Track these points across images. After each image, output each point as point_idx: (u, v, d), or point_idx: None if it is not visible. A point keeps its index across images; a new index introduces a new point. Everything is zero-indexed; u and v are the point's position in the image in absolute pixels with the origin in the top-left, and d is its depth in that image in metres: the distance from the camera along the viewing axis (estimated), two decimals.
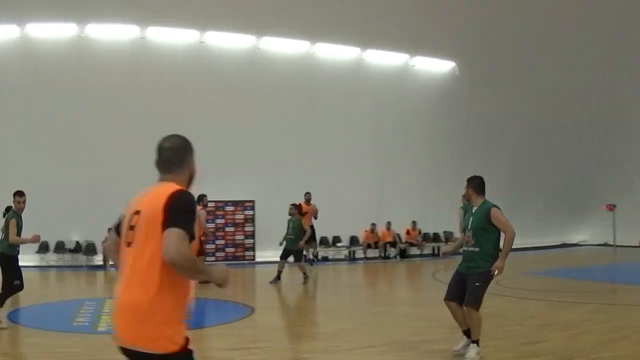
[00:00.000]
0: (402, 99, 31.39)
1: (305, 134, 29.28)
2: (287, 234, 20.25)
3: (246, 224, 28.95)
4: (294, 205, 21.03)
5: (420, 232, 30.95)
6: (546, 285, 18.32)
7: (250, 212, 28.96)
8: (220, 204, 28.51)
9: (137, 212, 4.37)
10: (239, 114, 28.11)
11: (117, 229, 4.63)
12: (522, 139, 33.23)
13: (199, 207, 18.48)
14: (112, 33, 26.64)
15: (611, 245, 32.49)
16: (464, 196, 17.29)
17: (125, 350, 4.26)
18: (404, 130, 31.84)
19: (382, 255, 29.64)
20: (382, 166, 31.05)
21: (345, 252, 30.31)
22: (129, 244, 4.35)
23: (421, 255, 30.96)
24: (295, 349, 9.92)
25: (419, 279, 21.47)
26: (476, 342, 9.12)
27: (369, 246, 29.58)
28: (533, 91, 33.40)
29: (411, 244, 30.58)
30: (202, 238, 18.97)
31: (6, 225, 11.79)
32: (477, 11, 30.61)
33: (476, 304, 9.08)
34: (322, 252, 29.23)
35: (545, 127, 34.31)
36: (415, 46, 31.72)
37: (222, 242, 28.70)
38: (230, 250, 28.75)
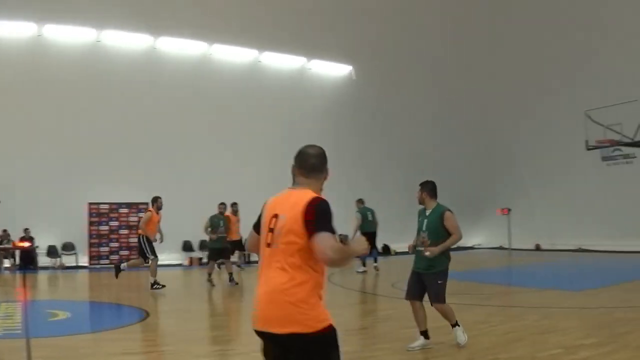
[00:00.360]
0: (299, 102, 31.63)
1: (198, 137, 29.34)
2: (218, 232, 20.02)
3: None
4: (223, 204, 20.83)
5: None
6: None
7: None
8: (114, 206, 28.18)
9: (276, 216, 4.92)
10: (131, 116, 27.88)
11: (256, 227, 5.21)
12: (419, 143, 33.56)
13: (148, 210, 18.41)
14: None
15: (506, 249, 33.06)
16: (358, 201, 17.44)
17: (269, 335, 4.84)
18: (300, 133, 31.79)
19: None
20: (279, 169, 30.82)
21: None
22: (268, 245, 4.89)
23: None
24: (191, 352, 9.73)
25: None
26: (456, 323, 9.86)
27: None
28: (430, 95, 33.86)
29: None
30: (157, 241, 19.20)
31: None
32: (373, 16, 30.94)
33: (442, 299, 9.73)
34: None
35: (442, 131, 34.80)
36: (312, 50, 31.77)
37: (116, 244, 28.26)
38: (124, 253, 28.31)
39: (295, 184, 5.26)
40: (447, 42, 33.48)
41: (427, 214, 9.96)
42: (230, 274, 19.76)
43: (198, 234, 27.86)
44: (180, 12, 28.27)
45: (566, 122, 30.85)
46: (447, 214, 9.75)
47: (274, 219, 4.91)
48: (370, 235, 22.70)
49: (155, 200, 19.05)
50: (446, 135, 35.31)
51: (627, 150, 29.94)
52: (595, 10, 29.79)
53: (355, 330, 11.46)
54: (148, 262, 18.38)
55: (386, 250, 34.54)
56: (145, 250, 18.39)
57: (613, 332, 10.27)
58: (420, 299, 9.89)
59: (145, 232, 18.57)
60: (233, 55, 30.96)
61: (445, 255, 9.84)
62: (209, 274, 19.76)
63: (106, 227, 27.84)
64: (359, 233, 22.54)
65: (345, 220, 31.08)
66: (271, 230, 4.88)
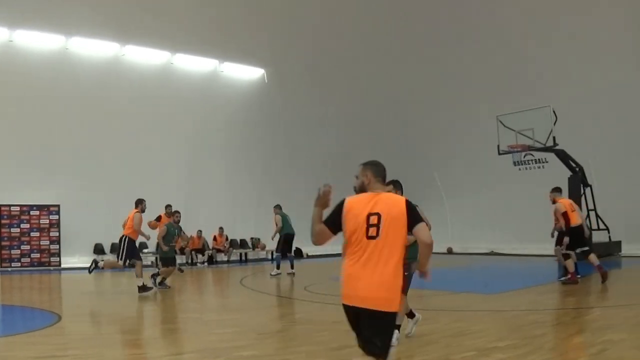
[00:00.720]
0: (211, 105, 31.50)
1: (109, 139, 28.74)
2: (172, 241, 19.61)
3: (51, 229, 27.94)
4: (178, 212, 20.38)
5: (227, 239, 30.74)
6: None
7: (56, 217, 27.94)
8: (25, 208, 27.52)
9: (376, 214, 6.10)
10: (41, 118, 27.22)
11: (329, 223, 6.44)
12: (331, 146, 33.55)
13: (135, 211, 17.92)
14: None
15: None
16: (276, 207, 17.26)
17: (362, 311, 6.09)
18: (212, 136, 31.72)
19: (190, 261, 29.24)
20: (191, 172, 30.75)
21: (152, 258, 29.72)
22: (371, 237, 6.06)
23: (228, 262, 30.81)
24: (104, 356, 9.42)
25: (226, 285, 21.16)
26: (397, 327, 9.76)
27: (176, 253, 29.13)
28: (341, 100, 33.96)
29: (218, 250, 30.30)
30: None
31: None
32: (285, 20, 30.92)
33: (406, 290, 10.07)
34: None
35: (354, 136, 34.92)
36: (224, 52, 31.55)
37: (27, 247, 27.53)
38: (35, 256, 27.66)
39: (373, 189, 6.44)
40: (360, 47, 33.57)
41: None
42: (164, 278, 19.30)
43: (110, 237, 27.41)
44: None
45: (479, 128, 31.16)
46: (418, 209, 9.26)
47: (374, 216, 6.09)
48: (290, 237, 23.09)
49: (141, 202, 18.66)
50: (358, 140, 35.40)
51: (538, 155, 30.36)
52: (509, 20, 30.15)
53: (269, 333, 11.26)
54: (120, 264, 18.09)
55: (299, 253, 34.43)
56: (123, 253, 17.91)
57: (527, 335, 10.26)
58: None
59: (133, 234, 18.19)
60: (145, 57, 30.42)
61: (413, 248, 9.28)
62: (164, 278, 19.29)
63: (17, 230, 27.17)
64: (279, 235, 23.15)
65: (255, 222, 31.09)
66: (372, 225, 6.07)
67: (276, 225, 23.27)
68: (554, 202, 18.15)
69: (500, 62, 31.17)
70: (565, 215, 17.70)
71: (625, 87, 27.81)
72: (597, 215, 28.52)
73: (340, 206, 6.42)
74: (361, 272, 6.08)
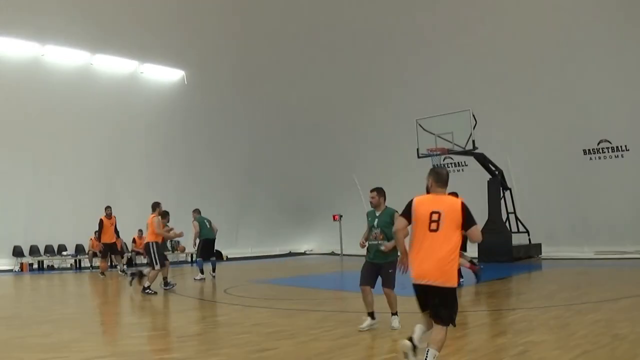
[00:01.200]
0: (131, 105, 31.09)
1: (29, 142, 28.24)
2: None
3: None
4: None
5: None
6: (273, 293, 18.39)
7: None
8: None
9: (437, 212, 7.81)
10: None
11: (406, 215, 8.20)
12: (251, 150, 33.47)
13: (153, 215, 18.37)
14: None
15: (337, 254, 33.25)
16: (194, 211, 17.42)
17: (427, 287, 7.83)
18: (133, 137, 31.35)
19: (109, 264, 28.89)
20: (111, 173, 30.39)
21: (72, 260, 29.31)
22: (432, 230, 7.80)
23: (148, 264, 30.48)
24: None
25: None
26: (396, 313, 11.64)
27: (94, 255, 28.76)
28: (262, 102, 33.94)
29: (138, 253, 29.92)
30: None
31: None
32: (205, 22, 30.78)
33: (392, 285, 11.56)
34: (47, 261, 28.23)
35: (276, 138, 34.88)
36: (144, 53, 31.19)
37: None
38: None
39: (435, 191, 8.22)
40: (280, 50, 33.55)
41: (378, 214, 12.09)
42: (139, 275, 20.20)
43: (30, 239, 26.92)
44: None
45: (399, 131, 31.31)
46: (397, 214, 10.76)
47: (436, 214, 7.82)
48: (209, 242, 23.02)
49: (157, 205, 19.19)
50: (278, 143, 35.40)
51: (458, 158, 30.67)
52: (427, 24, 30.37)
53: (189, 336, 11.15)
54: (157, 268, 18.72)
55: (218, 256, 34.26)
56: (155, 258, 18.65)
57: (448, 336, 10.24)
58: (372, 285, 11.75)
59: (158, 238, 18.79)
60: (64, 57, 29.67)
61: (395, 249, 11.00)
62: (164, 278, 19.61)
63: None
64: (198, 240, 23.07)
65: (175, 224, 30.82)
66: (434, 221, 7.81)
67: (194, 229, 23.08)
68: None
69: (420, 65, 31.36)
70: None
71: (544, 89, 28.24)
72: (516, 218, 28.95)
73: (410, 203, 8.24)
74: (424, 258, 7.82)
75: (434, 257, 7.71)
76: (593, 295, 12.92)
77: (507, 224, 28.27)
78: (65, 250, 29.32)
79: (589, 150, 28.08)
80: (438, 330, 7.86)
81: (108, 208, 23.54)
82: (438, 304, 7.82)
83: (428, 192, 8.34)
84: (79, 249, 29.86)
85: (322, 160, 36.81)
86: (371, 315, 11.64)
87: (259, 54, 33.45)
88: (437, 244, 7.72)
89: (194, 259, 32.97)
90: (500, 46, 28.86)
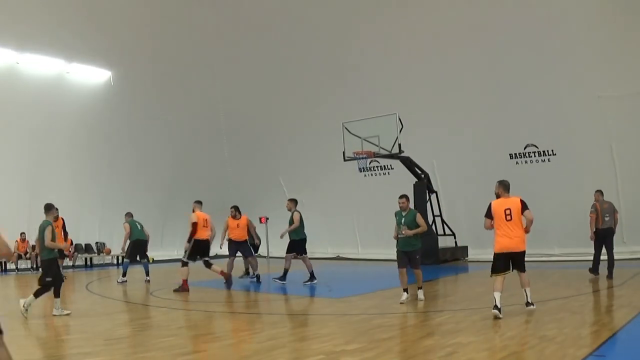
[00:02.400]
0: (58, 106, 30.40)
1: None
2: None
3: None
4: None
5: (71, 243, 29.88)
6: (199, 296, 18.19)
7: None
8: None
9: (508, 208, 12.68)
10: None
11: (489, 215, 13.03)
12: (176, 152, 33.16)
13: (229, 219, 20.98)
14: None
15: (264, 257, 33.09)
16: (127, 215, 17.13)
17: (513, 254, 12.76)
18: (60, 138, 30.85)
19: (34, 266, 28.41)
20: (36, 174, 29.82)
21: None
22: (508, 220, 12.64)
23: (74, 267, 30.10)
24: None
25: (72, 290, 20.45)
26: (421, 287, 15.75)
27: (19, 257, 28.31)
28: (187, 105, 33.77)
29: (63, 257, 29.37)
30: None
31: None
32: (132, 22, 30.54)
33: (419, 267, 15.57)
34: None
35: (200, 138, 34.80)
36: (70, 53, 30.67)
37: None
38: None
39: (503, 196, 13.03)
40: (206, 52, 33.44)
41: (404, 214, 15.58)
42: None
43: None
44: None
45: (325, 134, 31.27)
46: (419, 214, 15.74)
47: (508, 210, 12.60)
48: (140, 243, 23.05)
49: (237, 209, 21.75)
50: (204, 145, 35.20)
51: (384, 161, 30.76)
52: (354, 28, 30.45)
53: (116, 339, 10.94)
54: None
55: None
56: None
57: (374, 338, 10.29)
58: (406, 266, 15.34)
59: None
60: None
61: (419, 240, 15.65)
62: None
63: None
64: (129, 242, 22.96)
65: (100, 226, 30.39)
66: (509, 214, 12.57)
67: (125, 231, 22.72)
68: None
69: (346, 68, 31.45)
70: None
71: (471, 93, 28.49)
72: (442, 221, 29.17)
73: (490, 206, 13.02)
74: (507, 236, 12.61)
75: (514, 235, 12.58)
76: (520, 298, 12.99)
77: (433, 226, 28.42)
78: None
79: (515, 154, 28.39)
80: (524, 275, 12.99)
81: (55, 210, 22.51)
82: (521, 261, 12.86)
83: (498, 196, 13.13)
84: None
85: (248, 162, 36.73)
86: (406, 290, 15.19)
87: (185, 56, 33.31)
88: (512, 228, 12.61)
89: (119, 262, 32.61)
90: (426, 49, 29.08)
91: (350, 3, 30.59)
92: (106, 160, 32.74)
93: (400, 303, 14.56)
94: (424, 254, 22.72)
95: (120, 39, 31.28)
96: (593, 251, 19.58)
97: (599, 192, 19.67)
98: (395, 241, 15.64)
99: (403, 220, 15.44)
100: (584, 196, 24.42)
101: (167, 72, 33.37)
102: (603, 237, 19.28)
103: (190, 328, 12.48)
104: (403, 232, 15.27)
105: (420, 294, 15.48)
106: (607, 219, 19.23)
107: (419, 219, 15.53)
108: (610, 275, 18.50)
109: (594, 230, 19.18)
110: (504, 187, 13.08)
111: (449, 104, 29.10)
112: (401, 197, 15.85)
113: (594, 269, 19.56)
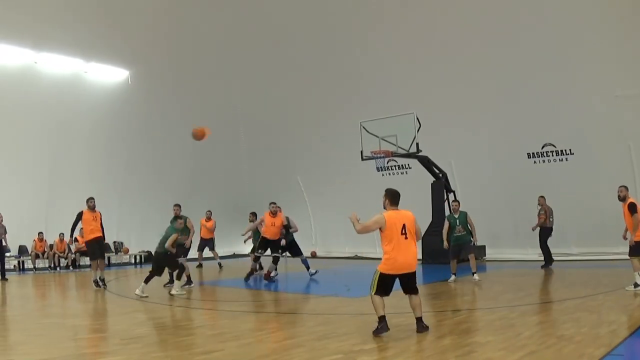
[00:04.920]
0: (75, 105, 30.44)
1: None
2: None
3: None
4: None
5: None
6: (218, 295, 18.24)
7: None
8: None
9: (404, 225, 11.01)
10: None
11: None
12: (194, 151, 33.22)
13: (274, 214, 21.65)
14: None
15: (282, 256, 33.08)
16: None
17: (406, 274, 11.21)
18: (77, 138, 30.93)
19: (52, 265, 28.45)
20: (54, 174, 29.92)
21: (15, 262, 28.81)
22: (406, 237, 10.96)
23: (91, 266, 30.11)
24: None
25: (90, 289, 20.47)
26: (475, 272, 19.47)
27: (37, 256, 28.37)
28: (204, 103, 33.77)
29: (83, 254, 29.41)
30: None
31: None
32: (150, 22, 30.66)
33: (473, 252, 19.82)
34: None
35: (217, 138, 34.80)
36: (88, 53, 30.74)
37: None
38: None
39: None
40: (222, 51, 33.50)
41: (457, 216, 19.82)
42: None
43: None
44: None
45: (343, 134, 31.23)
46: (469, 215, 19.89)
47: (404, 226, 11.12)
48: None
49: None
50: (221, 144, 35.20)
51: (402, 161, 30.71)
52: (372, 30, 30.46)
53: (133, 338, 10.96)
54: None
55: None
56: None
57: (391, 337, 10.30)
58: (459, 259, 20.05)
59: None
60: (4, 55, 28.95)
61: (470, 235, 19.86)
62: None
63: None
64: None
65: (117, 225, 30.46)
66: (404, 229, 11.05)
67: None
68: None
69: (364, 68, 31.41)
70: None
71: (489, 92, 28.38)
72: None
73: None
74: (403, 255, 11.16)
75: (411, 254, 11.24)
76: (538, 297, 12.96)
77: None
78: (9, 251, 28.88)
79: (533, 154, 28.27)
80: None
81: (91, 200, 21.77)
82: None
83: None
84: (22, 250, 29.41)
85: (266, 162, 36.73)
86: (454, 274, 19.65)
87: (203, 56, 33.34)
88: (410, 245, 11.16)
89: (137, 261, 32.69)
90: (444, 49, 28.99)
91: (367, 3, 30.56)
92: (124, 159, 32.77)
93: (448, 282, 19.22)
94: (441, 253, 22.80)
95: (139, 38, 31.30)
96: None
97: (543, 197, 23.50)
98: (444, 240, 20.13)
99: (457, 222, 19.79)
100: (601, 195, 24.34)
101: (185, 72, 33.41)
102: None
103: (208, 327, 12.53)
104: (459, 232, 19.74)
105: (476, 275, 19.40)
106: (551, 219, 24.07)
107: (470, 219, 20.07)
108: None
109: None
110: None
111: (466, 104, 28.98)
112: (454, 200, 20.57)
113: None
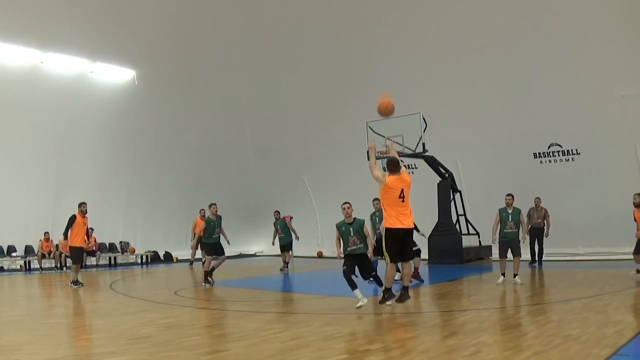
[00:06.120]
0: (81, 106, 30.42)
1: None
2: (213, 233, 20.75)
3: None
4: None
5: (95, 241, 30.00)
6: (224, 295, 18.21)
7: None
8: None
9: (402, 189, 12.01)
10: None
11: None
12: (200, 151, 33.18)
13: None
14: None
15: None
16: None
17: (405, 230, 12.08)
18: (84, 138, 30.93)
19: (58, 265, 28.47)
20: (61, 174, 29.94)
21: (21, 262, 28.86)
22: (402, 200, 12.01)
23: (97, 266, 30.19)
24: None
25: (95, 289, 20.51)
26: (517, 274, 18.17)
27: (43, 256, 28.41)
28: (210, 104, 33.78)
29: (88, 254, 29.44)
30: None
31: None
32: (156, 21, 30.64)
33: (520, 254, 18.73)
34: None
35: (223, 139, 34.81)
36: (94, 53, 30.74)
37: None
38: None
39: None
40: (228, 51, 33.53)
41: (510, 211, 18.56)
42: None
43: None
44: None
45: (349, 134, 31.22)
46: (522, 212, 18.95)
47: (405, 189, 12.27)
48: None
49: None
50: (227, 145, 35.22)
51: (408, 161, 30.69)
52: (378, 30, 30.47)
53: (139, 338, 10.94)
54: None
55: (168, 257, 34.11)
56: None
57: (398, 337, 10.31)
58: (506, 256, 18.64)
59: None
60: (12, 55, 29.07)
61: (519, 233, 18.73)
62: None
63: None
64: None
65: (123, 225, 30.49)
66: (402, 193, 12.21)
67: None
68: None
69: (371, 68, 31.39)
70: None
71: (495, 91, 28.35)
72: (467, 220, 29.09)
73: None
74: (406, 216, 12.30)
75: (408, 217, 12.27)
76: (544, 297, 12.94)
77: (457, 226, 28.37)
78: (15, 251, 28.93)
79: (539, 153, 28.27)
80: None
81: (83, 205, 21.94)
82: None
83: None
84: (29, 250, 29.45)
85: (272, 161, 36.75)
86: (503, 275, 18.31)
87: (209, 56, 33.36)
88: (407, 208, 12.31)
89: (143, 261, 32.73)
90: (449, 49, 28.97)
91: (373, 3, 30.55)
92: (130, 159, 32.83)
93: (497, 284, 18.07)
94: (448, 253, 22.75)
95: (145, 38, 31.36)
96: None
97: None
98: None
99: (510, 217, 18.53)
100: (608, 195, 24.37)
101: (191, 72, 33.48)
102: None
103: (214, 327, 12.53)
104: (510, 228, 18.44)
105: (517, 278, 18.09)
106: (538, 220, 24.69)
107: (523, 216, 19.00)
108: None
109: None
110: None
111: (472, 104, 28.99)
112: (508, 195, 19.04)
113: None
